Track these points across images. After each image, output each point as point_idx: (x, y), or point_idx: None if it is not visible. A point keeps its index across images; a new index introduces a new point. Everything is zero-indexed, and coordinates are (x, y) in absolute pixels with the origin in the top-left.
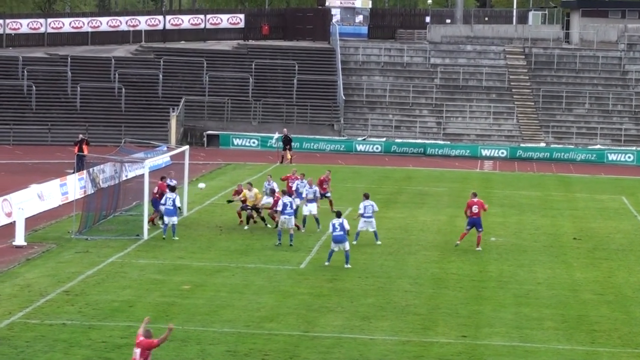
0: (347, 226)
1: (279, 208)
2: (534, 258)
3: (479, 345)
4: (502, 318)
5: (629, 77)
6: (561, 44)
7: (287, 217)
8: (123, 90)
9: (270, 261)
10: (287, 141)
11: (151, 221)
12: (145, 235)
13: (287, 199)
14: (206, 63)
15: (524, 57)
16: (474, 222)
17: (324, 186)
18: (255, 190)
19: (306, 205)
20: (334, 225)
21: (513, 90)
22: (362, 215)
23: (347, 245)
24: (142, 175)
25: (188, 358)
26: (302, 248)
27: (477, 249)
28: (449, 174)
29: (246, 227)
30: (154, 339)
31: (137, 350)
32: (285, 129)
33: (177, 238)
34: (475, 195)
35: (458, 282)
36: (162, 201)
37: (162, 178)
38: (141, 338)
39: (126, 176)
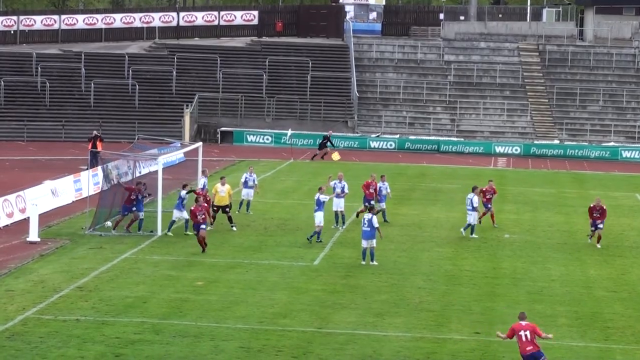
0: (376, 223)
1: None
2: (548, 255)
3: (493, 342)
4: (516, 315)
5: None
6: (575, 40)
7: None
8: (137, 86)
9: (283, 257)
10: (327, 140)
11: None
12: (159, 232)
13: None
14: (220, 60)
15: (537, 54)
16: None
17: (488, 196)
18: (227, 186)
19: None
20: (364, 220)
21: (527, 87)
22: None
23: (374, 242)
24: (156, 172)
25: (201, 354)
26: (316, 244)
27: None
28: (462, 171)
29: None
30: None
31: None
32: (330, 130)
33: (190, 233)
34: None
35: (471, 278)
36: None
37: (138, 184)
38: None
39: (140, 172)
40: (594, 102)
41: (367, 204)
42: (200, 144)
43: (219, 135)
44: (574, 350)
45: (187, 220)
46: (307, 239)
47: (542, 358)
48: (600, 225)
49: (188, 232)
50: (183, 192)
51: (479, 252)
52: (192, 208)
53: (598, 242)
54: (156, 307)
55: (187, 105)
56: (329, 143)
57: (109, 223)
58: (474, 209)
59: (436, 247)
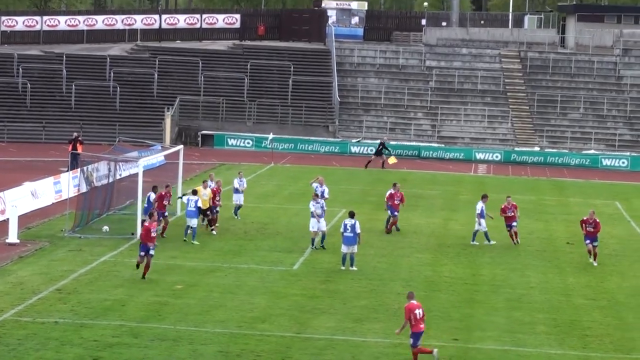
0: (358, 229)
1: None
2: (527, 262)
3: (471, 349)
4: (494, 322)
5: (624, 82)
6: (557, 48)
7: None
8: (118, 89)
9: (263, 262)
10: (382, 147)
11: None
12: (139, 235)
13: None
14: (201, 63)
15: (519, 60)
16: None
17: (511, 214)
18: (209, 189)
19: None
20: (345, 225)
21: (508, 93)
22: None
23: (355, 248)
24: (136, 174)
25: (180, 358)
26: (296, 249)
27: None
28: (442, 177)
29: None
30: None
31: None
32: (385, 137)
33: (196, 242)
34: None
35: (450, 285)
36: (186, 203)
37: (167, 186)
38: None
39: (120, 175)
40: (574, 109)
41: (394, 214)
42: (181, 147)
43: (199, 139)
44: (552, 358)
45: (194, 229)
46: (315, 247)
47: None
48: (596, 243)
49: (192, 241)
50: (190, 197)
51: (459, 258)
52: (146, 224)
53: (595, 259)
54: (135, 311)
55: (168, 108)
56: (384, 149)
57: (106, 228)
58: (481, 216)
59: (416, 253)
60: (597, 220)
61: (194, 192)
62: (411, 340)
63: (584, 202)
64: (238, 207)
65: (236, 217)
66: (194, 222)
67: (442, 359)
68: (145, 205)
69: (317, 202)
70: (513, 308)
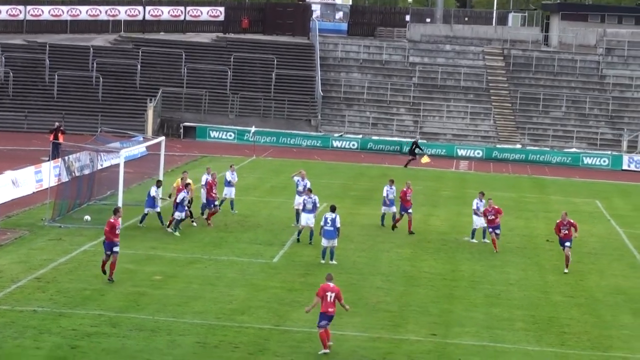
0: (338, 223)
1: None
2: (507, 259)
3: (449, 344)
4: (473, 318)
5: (607, 81)
6: (540, 46)
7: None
8: (101, 79)
9: (243, 254)
10: (416, 146)
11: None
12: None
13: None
14: (185, 55)
15: (502, 58)
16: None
17: (491, 217)
18: (189, 181)
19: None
20: (325, 219)
21: (491, 91)
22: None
23: (335, 242)
24: (118, 165)
25: (158, 348)
26: (276, 242)
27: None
28: (424, 173)
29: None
30: None
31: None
32: (418, 136)
33: (178, 234)
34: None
35: (430, 280)
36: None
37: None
38: None
39: (101, 165)
40: (556, 107)
41: (404, 212)
42: (162, 138)
43: (181, 130)
44: (530, 354)
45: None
46: (298, 240)
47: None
48: (568, 244)
49: (172, 230)
50: (184, 193)
51: (438, 254)
52: (111, 220)
53: (567, 266)
54: (114, 300)
55: (151, 100)
56: (417, 149)
57: (87, 218)
58: (476, 214)
59: (396, 248)
60: (572, 222)
61: (186, 186)
62: (318, 321)
63: (565, 200)
64: (230, 200)
65: (233, 212)
66: (182, 215)
67: (420, 353)
68: (146, 199)
69: (310, 197)
70: (492, 304)
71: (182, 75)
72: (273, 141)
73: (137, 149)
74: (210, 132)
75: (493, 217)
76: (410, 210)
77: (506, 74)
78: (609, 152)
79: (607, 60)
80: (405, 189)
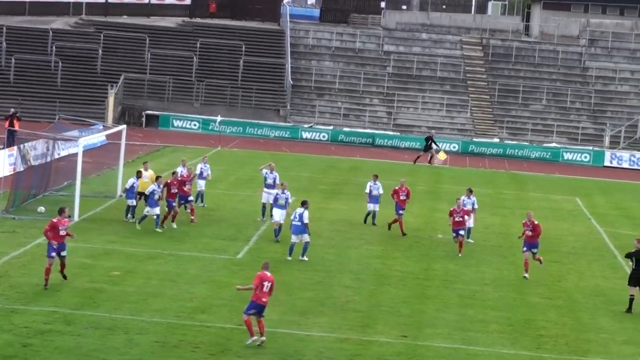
0: (306, 219)
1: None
2: (482, 258)
3: (420, 346)
4: (445, 319)
5: (589, 73)
6: (520, 36)
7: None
8: (60, 64)
9: (206, 249)
10: (431, 141)
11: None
12: (76, 217)
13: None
14: (149, 40)
15: (481, 48)
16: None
17: (459, 219)
18: (151, 171)
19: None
20: (295, 214)
21: (468, 82)
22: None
23: (306, 237)
24: (76, 155)
25: (114, 347)
26: (240, 237)
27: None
28: (397, 167)
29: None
30: None
31: None
32: (433, 131)
33: (160, 230)
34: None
35: (401, 279)
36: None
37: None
38: None
39: (58, 154)
40: (537, 100)
41: (400, 212)
42: (123, 127)
43: (143, 119)
44: (504, 357)
45: (157, 216)
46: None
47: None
48: (535, 250)
49: (158, 229)
50: (155, 186)
51: (410, 251)
52: (55, 220)
53: (526, 270)
54: (69, 297)
55: (112, 86)
56: (433, 144)
57: (42, 209)
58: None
59: (366, 245)
60: (536, 223)
61: (157, 178)
62: (246, 307)
63: (544, 196)
64: (200, 193)
65: (202, 205)
66: (156, 210)
67: (390, 355)
68: (127, 193)
69: (284, 193)
70: (465, 305)
71: (145, 61)
72: (239, 131)
73: (97, 138)
74: (174, 121)
75: (460, 219)
76: (401, 211)
77: (484, 65)
78: (591, 148)
79: (590, 51)
80: (398, 187)
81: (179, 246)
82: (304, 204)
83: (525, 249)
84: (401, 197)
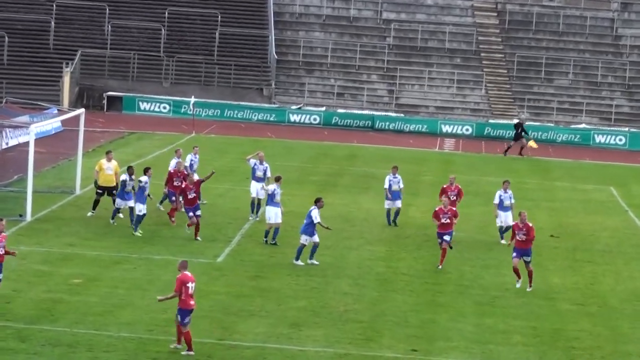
0: (316, 218)
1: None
2: (502, 258)
3: None
4: (461, 330)
5: (623, 42)
6: (542, 1)
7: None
8: (6, 39)
9: (180, 252)
10: (521, 129)
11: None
12: (29, 217)
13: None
14: (109, 9)
15: (496, 14)
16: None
17: (446, 221)
18: (114, 162)
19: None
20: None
21: (482, 54)
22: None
23: (316, 238)
24: (27, 144)
25: None
26: (220, 238)
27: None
28: (401, 153)
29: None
30: None
31: None
32: (522, 115)
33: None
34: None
35: (408, 284)
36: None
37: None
38: None
39: (7, 144)
40: (562, 75)
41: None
42: (82, 110)
43: (105, 101)
44: None
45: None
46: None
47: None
48: (528, 258)
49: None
50: (145, 178)
51: (419, 252)
52: None
53: (530, 282)
54: (23, 309)
55: (67, 64)
56: (523, 133)
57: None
58: (503, 207)
59: (367, 245)
60: (531, 226)
61: (145, 171)
62: (178, 317)
63: (572, 186)
64: None
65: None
66: (140, 207)
67: None
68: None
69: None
70: (484, 313)
71: (105, 34)
72: (217, 115)
73: (51, 124)
74: (140, 103)
75: (448, 220)
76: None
77: (500, 34)
78: (626, 129)
79: (623, 17)
80: (447, 186)
81: (149, 249)
82: (317, 201)
83: (515, 254)
84: (451, 198)
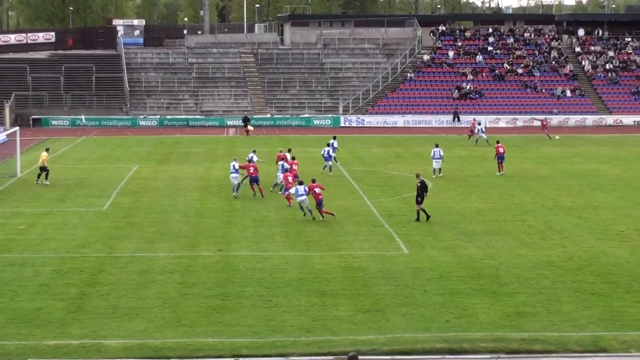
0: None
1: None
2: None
3: (231, 256)
4: (246, 236)
5: (325, 67)
6: (278, 45)
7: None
8: None
9: (82, 205)
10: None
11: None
12: None
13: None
14: (29, 68)
15: (253, 55)
16: None
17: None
18: (45, 153)
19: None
20: (297, 189)
21: (247, 78)
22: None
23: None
24: None
25: (26, 277)
26: (104, 195)
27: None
28: (205, 139)
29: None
30: None
31: None
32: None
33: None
34: None
35: (214, 213)
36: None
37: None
38: None
39: None
40: (293, 87)
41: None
42: (17, 128)
43: (31, 121)
44: (285, 258)
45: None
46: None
47: None
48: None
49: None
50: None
51: (219, 195)
52: None
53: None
54: None
55: (7, 101)
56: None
57: None
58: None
59: (189, 192)
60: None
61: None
62: None
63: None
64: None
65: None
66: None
67: (211, 264)
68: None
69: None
70: (258, 226)
71: (28, 82)
72: (97, 124)
73: (0, 137)
74: (52, 121)
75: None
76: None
77: (256, 66)
78: (330, 116)
79: (324, 52)
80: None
81: (63, 205)
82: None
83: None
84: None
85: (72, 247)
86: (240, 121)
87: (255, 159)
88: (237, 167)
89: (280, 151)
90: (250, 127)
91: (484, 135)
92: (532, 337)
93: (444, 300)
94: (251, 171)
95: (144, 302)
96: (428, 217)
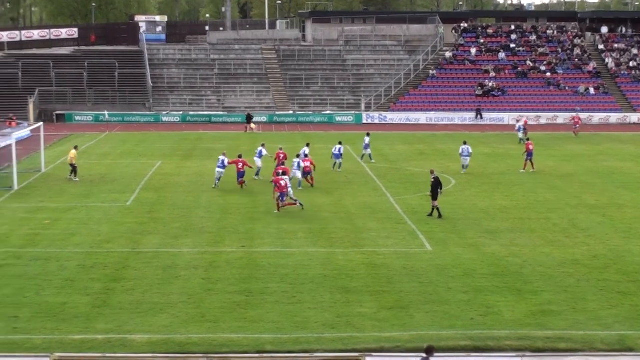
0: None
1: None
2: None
3: (254, 252)
4: (270, 233)
5: (347, 63)
6: (300, 42)
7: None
8: None
9: (106, 201)
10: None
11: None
12: (16, 187)
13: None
14: (52, 63)
15: (275, 52)
16: None
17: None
18: (74, 151)
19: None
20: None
21: (269, 75)
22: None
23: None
24: (11, 145)
25: (51, 271)
26: (128, 191)
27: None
28: (227, 135)
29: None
30: None
31: None
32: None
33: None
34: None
35: (238, 209)
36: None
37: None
38: None
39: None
40: (315, 83)
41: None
42: (41, 124)
43: (55, 117)
44: (309, 254)
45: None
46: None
47: None
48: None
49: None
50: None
51: (242, 192)
52: None
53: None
54: (16, 240)
55: (31, 97)
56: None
57: None
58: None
59: (212, 190)
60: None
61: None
62: None
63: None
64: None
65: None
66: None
67: (235, 260)
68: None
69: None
70: (281, 222)
71: (52, 78)
72: (120, 120)
73: (24, 132)
74: (75, 117)
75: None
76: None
77: (278, 63)
78: (352, 112)
79: (346, 49)
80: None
81: (87, 200)
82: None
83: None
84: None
85: (96, 242)
86: (244, 118)
87: (264, 152)
88: (226, 162)
89: (280, 149)
90: (252, 126)
91: (520, 134)
92: (558, 336)
93: (469, 298)
94: (240, 167)
95: (169, 297)
96: (440, 216)
